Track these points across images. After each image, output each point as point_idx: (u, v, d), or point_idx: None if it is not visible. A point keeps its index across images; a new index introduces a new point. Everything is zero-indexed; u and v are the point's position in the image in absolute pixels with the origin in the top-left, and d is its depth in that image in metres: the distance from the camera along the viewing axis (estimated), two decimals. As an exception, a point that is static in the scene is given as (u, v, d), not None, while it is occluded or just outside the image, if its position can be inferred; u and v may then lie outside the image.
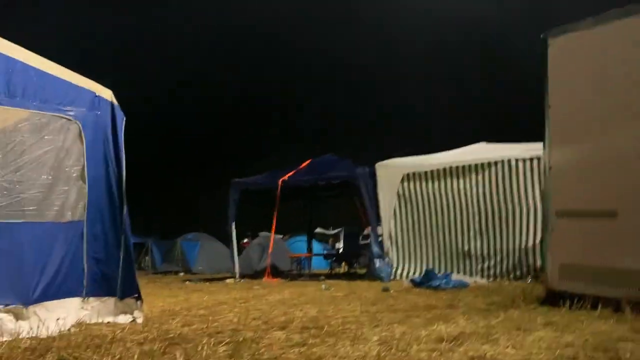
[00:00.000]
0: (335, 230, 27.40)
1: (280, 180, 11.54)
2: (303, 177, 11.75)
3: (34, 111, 4.21)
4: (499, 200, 9.39)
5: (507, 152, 9.58)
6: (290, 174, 11.85)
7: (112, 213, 4.75)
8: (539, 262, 8.78)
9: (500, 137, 10.84)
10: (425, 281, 7.90)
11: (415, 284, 8.11)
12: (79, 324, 4.34)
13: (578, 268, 4.91)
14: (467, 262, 9.63)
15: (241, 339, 3.52)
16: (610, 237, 4.74)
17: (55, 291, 4.32)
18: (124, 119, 4.93)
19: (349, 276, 11.64)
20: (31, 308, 4.07)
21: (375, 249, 10.27)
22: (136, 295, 4.78)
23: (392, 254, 10.51)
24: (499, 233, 9.35)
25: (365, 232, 15.45)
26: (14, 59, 4.09)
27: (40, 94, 4.27)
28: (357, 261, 14.00)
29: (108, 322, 4.57)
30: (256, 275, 12.91)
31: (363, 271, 12.35)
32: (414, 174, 10.35)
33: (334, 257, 14.51)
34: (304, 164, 12.45)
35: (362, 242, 16.08)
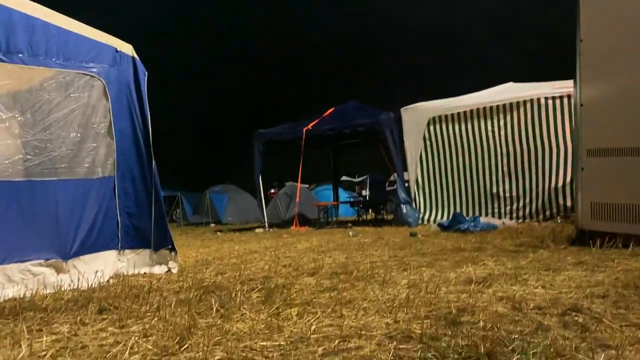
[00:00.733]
0: (361, 178, 27.45)
1: (304, 129, 11.50)
2: (327, 126, 11.67)
3: (58, 69, 4.23)
4: (528, 141, 9.23)
5: (536, 90, 9.32)
6: (314, 122, 11.78)
7: (141, 168, 4.83)
8: (569, 202, 8.69)
9: (529, 78, 10.51)
10: (453, 225, 7.92)
11: (443, 228, 8.13)
12: (117, 276, 4.51)
13: (609, 207, 4.84)
14: (496, 204, 9.59)
15: (273, 285, 3.61)
16: (643, 175, 4.63)
17: (91, 245, 4.47)
18: (146, 73, 4.93)
19: (376, 223, 11.73)
20: (70, 262, 4.23)
21: (402, 194, 10.26)
22: (170, 246, 4.92)
23: (419, 199, 10.52)
24: (528, 174, 9.24)
25: (392, 178, 15.44)
26: (34, 17, 4.07)
27: (63, 51, 4.27)
28: (383, 208, 14.05)
29: (144, 273, 4.73)
30: (284, 224, 13.12)
31: (390, 217, 12.41)
32: (440, 117, 10.19)
33: (360, 205, 14.58)
34: (328, 112, 12.35)
35: (388, 189, 16.10)
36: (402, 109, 10.69)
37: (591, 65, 5.05)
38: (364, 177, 26.49)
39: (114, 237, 4.71)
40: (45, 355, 2.17)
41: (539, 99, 9.13)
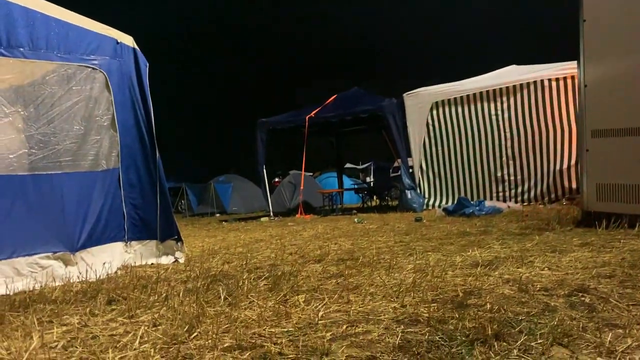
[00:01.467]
0: (365, 165, 27.43)
1: (307, 117, 11.47)
2: (329, 113, 11.62)
3: (59, 62, 4.22)
4: (532, 123, 9.20)
5: (539, 72, 9.26)
6: (317, 110, 11.75)
7: (145, 159, 4.83)
8: (574, 184, 8.68)
9: (532, 60, 10.44)
10: (458, 209, 7.91)
11: (448, 212, 8.13)
12: (125, 267, 4.55)
13: (615, 188, 4.82)
14: (500, 188, 9.58)
15: (280, 273, 3.63)
16: (648, 155, 4.62)
17: (98, 237, 4.50)
18: (147, 64, 4.92)
19: (381, 209, 11.73)
20: (78, 254, 4.26)
21: (406, 180, 10.25)
22: (176, 237, 4.94)
23: (424, 185, 10.52)
24: (533, 157, 9.22)
25: (395, 164, 15.41)
26: (34, 10, 4.06)
27: (64, 44, 4.26)
28: (388, 194, 14.05)
29: (152, 264, 4.76)
30: (289, 212, 13.14)
31: (395, 204, 12.42)
32: (443, 101, 10.16)
33: (365, 191, 14.57)
34: (330, 100, 12.30)
35: (392, 175, 16.08)
36: (404, 95, 10.65)
37: (595, 46, 5.00)
38: (368, 163, 26.49)
39: (121, 229, 4.74)
40: (56, 345, 2.19)
41: (542, 81, 9.08)
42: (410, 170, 10.74)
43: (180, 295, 3.06)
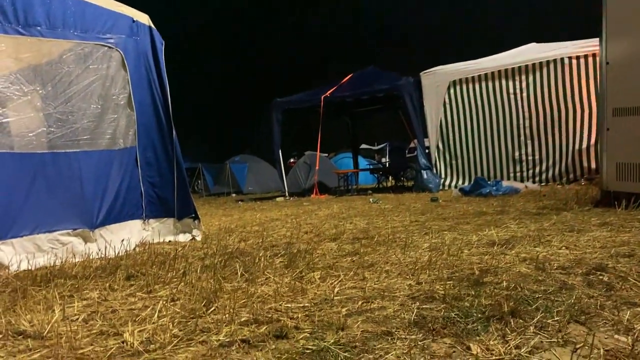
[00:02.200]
0: (381, 145, 27.29)
1: (322, 96, 11.41)
2: (345, 93, 11.55)
3: (76, 41, 4.24)
4: (551, 102, 9.05)
5: (559, 50, 9.08)
6: (332, 90, 11.68)
7: (161, 138, 4.87)
8: (593, 164, 8.56)
9: (552, 37, 10.22)
10: (475, 189, 7.86)
11: (465, 192, 8.08)
12: (143, 244, 4.61)
13: (635, 167, 4.74)
14: (518, 168, 9.49)
15: (295, 250, 3.65)
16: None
17: (116, 215, 4.56)
18: (163, 43, 4.92)
19: (397, 189, 11.70)
20: (97, 231, 4.33)
21: (423, 160, 10.19)
22: (193, 215, 4.99)
23: (440, 165, 10.45)
24: (551, 136, 9.09)
25: (412, 145, 15.32)
26: (50, -11, 4.07)
27: (80, 23, 4.27)
28: (404, 174, 13.99)
29: (169, 241, 4.82)
30: (304, 193, 13.18)
31: (410, 184, 12.37)
32: (460, 80, 10.03)
33: (380, 172, 14.53)
34: (345, 79, 12.21)
35: (408, 155, 16.00)
36: (421, 73, 10.52)
37: (617, 22, 4.87)
38: (384, 144, 26.36)
39: (139, 207, 4.80)
40: (77, 319, 2.24)
41: (562, 59, 8.91)
42: (427, 150, 10.66)
43: (198, 271, 3.10)
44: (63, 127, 4.14)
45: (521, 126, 9.40)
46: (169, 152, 4.89)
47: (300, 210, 7.87)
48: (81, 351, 1.80)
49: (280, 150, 12.32)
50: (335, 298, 2.31)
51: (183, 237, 4.90)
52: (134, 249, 4.38)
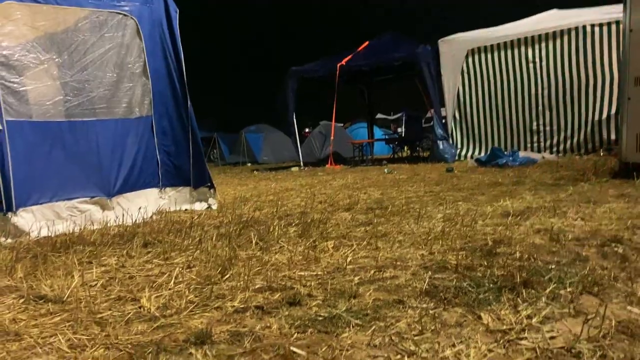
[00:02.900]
0: (397, 115, 27.03)
1: (338, 65, 11.28)
2: (361, 61, 11.40)
3: (91, 9, 4.23)
4: (571, 71, 8.85)
5: (581, 17, 8.82)
6: (348, 58, 11.53)
7: (176, 107, 4.87)
8: (612, 135, 8.41)
9: (574, 4, 9.90)
10: (491, 160, 7.79)
11: (481, 163, 8.02)
12: (159, 212, 4.68)
13: (657, 138, 4.65)
14: (535, 138, 9.36)
15: (309, 220, 3.67)
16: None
17: (133, 183, 4.61)
18: (177, 10, 4.88)
19: (412, 160, 11.65)
20: (114, 199, 4.40)
21: (439, 130, 10.09)
22: (209, 184, 5.03)
23: (456, 135, 10.35)
24: (570, 106, 8.92)
25: (428, 115, 15.15)
26: (63, -45, 4.04)
27: (94, -10, 4.25)
28: (419, 145, 13.89)
29: (185, 210, 4.88)
30: (319, 163, 13.18)
31: (426, 154, 12.29)
32: (479, 48, 9.83)
33: (396, 142, 14.44)
34: (362, 47, 12.03)
35: (424, 125, 15.84)
36: (439, 41, 10.32)
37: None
38: (400, 114, 26.09)
39: (155, 176, 4.85)
40: (96, 284, 2.30)
41: (584, 26, 8.66)
42: (443, 120, 10.55)
43: (214, 239, 3.14)
44: (79, 95, 4.16)
45: (540, 95, 9.23)
46: (184, 120, 4.91)
47: (314, 180, 7.89)
48: (100, 315, 1.85)
49: (295, 120, 12.28)
50: (348, 267, 2.34)
51: (199, 206, 4.95)
52: (151, 217, 4.45)
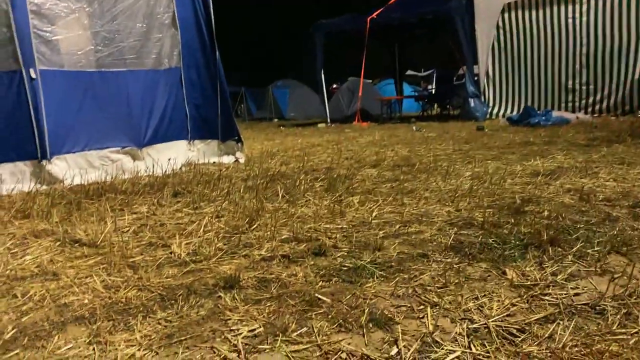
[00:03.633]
0: (427, 72, 26.42)
1: (368, 18, 11.01)
2: (392, 15, 11.09)
3: (119, -43, 4.19)
4: (613, 28, 8.47)
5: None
6: (378, 11, 11.23)
7: (205, 58, 4.86)
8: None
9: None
10: (523, 118, 7.62)
11: (512, 122, 7.85)
12: (188, 164, 4.75)
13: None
14: (570, 98, 9.07)
15: (335, 175, 3.69)
16: None
17: (163, 134, 4.68)
18: (206, -41, 4.80)
19: (442, 117, 11.46)
20: (144, 150, 4.48)
21: (471, 87, 9.86)
22: (236, 137, 5.06)
23: (489, 93, 10.10)
24: (609, 64, 8.58)
25: (460, 72, 14.77)
26: None
27: (123, -62, 4.20)
28: (450, 102, 13.61)
29: (213, 162, 4.95)
30: (346, 119, 13.08)
31: (457, 112, 12.07)
32: (516, 2, 9.44)
33: (425, 99, 14.19)
34: (393, 0, 11.69)
35: (456, 83, 15.48)
36: (474, -5, 9.96)
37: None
38: (430, 70, 25.49)
39: (184, 128, 4.89)
40: (128, 230, 2.37)
41: (629, -19, 8.22)
42: (475, 77, 10.28)
43: (241, 191, 3.19)
44: (110, 45, 4.18)
45: (577, 53, 8.88)
46: (212, 73, 4.90)
47: (341, 136, 7.86)
48: (132, 260, 1.92)
49: (322, 75, 12.12)
50: (373, 221, 2.35)
51: (227, 159, 5.01)
52: (180, 168, 4.52)
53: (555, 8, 9.00)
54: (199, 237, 2.20)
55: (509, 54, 9.72)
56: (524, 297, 1.44)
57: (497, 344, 1.19)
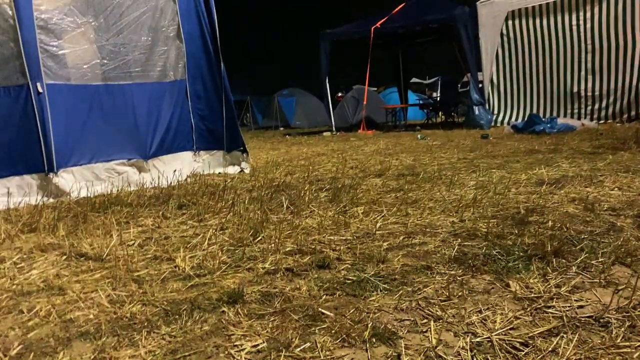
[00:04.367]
0: (432, 80, 26.45)
1: (373, 28, 11.06)
2: (397, 23, 11.13)
3: (125, -28, 4.24)
4: (617, 35, 8.46)
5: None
6: (383, 20, 11.28)
7: (210, 71, 4.90)
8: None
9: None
10: (528, 126, 7.60)
11: (517, 129, 7.84)
12: (194, 175, 4.77)
13: None
14: (576, 105, 9.06)
15: (340, 185, 3.69)
16: None
17: (168, 146, 4.71)
18: (210, -28, 4.85)
19: (446, 125, 11.46)
20: (150, 161, 4.50)
21: (475, 95, 9.86)
22: (241, 148, 5.09)
23: (493, 100, 10.10)
24: (614, 71, 8.57)
25: (464, 79, 14.78)
26: None
27: (128, -47, 4.25)
28: (454, 110, 13.61)
29: (219, 173, 4.97)
30: (351, 128, 13.11)
31: (461, 120, 12.07)
32: (520, 10, 9.47)
33: (430, 107, 14.19)
34: (398, 9, 11.74)
35: (460, 90, 15.48)
36: (478, 3, 9.98)
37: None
38: (435, 78, 25.52)
39: (189, 139, 4.93)
40: (133, 244, 2.39)
41: (633, -13, 8.23)
42: (480, 85, 10.29)
43: (246, 202, 3.20)
44: (115, 59, 4.23)
45: (582, 60, 8.88)
46: (217, 84, 4.94)
47: (346, 145, 7.87)
48: (137, 274, 1.93)
49: (328, 84, 12.16)
50: (377, 232, 2.36)
51: (232, 169, 5.03)
52: (186, 179, 4.55)
53: (559, 15, 9.01)
54: (204, 250, 2.21)
55: (513, 62, 9.73)
56: (528, 309, 1.44)
57: (500, 358, 1.19)
